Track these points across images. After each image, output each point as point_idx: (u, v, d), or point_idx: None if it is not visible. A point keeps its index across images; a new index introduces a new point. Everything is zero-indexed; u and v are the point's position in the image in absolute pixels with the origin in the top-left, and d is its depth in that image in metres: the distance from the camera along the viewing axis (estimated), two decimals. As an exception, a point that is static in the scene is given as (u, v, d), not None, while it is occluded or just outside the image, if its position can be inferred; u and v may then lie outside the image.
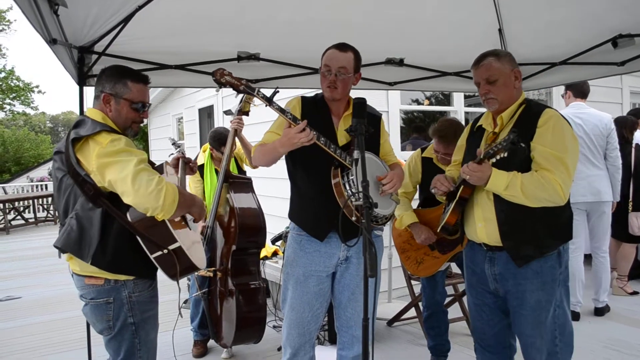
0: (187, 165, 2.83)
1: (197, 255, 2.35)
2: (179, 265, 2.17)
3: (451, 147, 3.28)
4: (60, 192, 2.20)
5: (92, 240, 2.11)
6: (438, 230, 2.65)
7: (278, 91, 2.33)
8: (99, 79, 2.28)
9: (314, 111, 2.53)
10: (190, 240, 2.34)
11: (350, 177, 2.31)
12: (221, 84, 2.26)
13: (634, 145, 5.23)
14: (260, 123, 4.21)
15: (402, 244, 3.60)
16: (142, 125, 2.39)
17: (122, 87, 2.24)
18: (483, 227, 2.44)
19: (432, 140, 3.55)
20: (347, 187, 2.31)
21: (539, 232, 2.33)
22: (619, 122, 5.32)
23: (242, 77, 2.30)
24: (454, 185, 2.51)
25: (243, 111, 3.66)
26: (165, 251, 2.15)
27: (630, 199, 5.14)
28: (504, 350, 2.58)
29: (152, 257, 2.16)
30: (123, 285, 2.20)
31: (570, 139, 2.29)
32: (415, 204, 3.65)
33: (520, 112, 2.39)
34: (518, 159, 2.30)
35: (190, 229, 2.44)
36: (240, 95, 3.72)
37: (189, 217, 2.45)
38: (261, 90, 2.31)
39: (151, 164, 2.32)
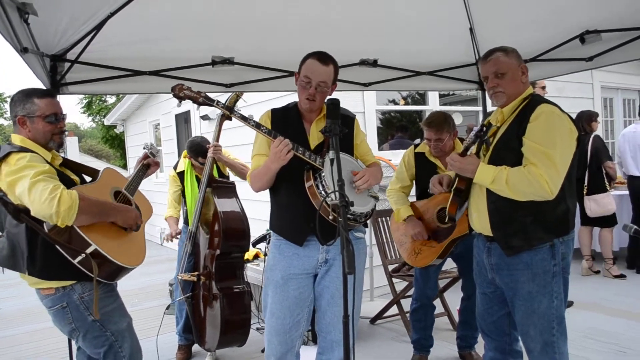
0: (142, 165, 2.85)
1: (129, 255, 2.43)
2: (97, 268, 2.26)
3: (443, 133, 3.41)
4: None
5: (23, 253, 2.26)
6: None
7: (240, 97, 2.37)
8: (11, 106, 2.38)
9: (285, 119, 2.56)
10: (122, 241, 2.43)
11: (323, 178, 2.32)
12: (180, 98, 2.36)
13: (592, 135, 5.70)
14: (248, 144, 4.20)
15: (400, 237, 3.66)
16: (64, 135, 2.46)
17: (31, 105, 2.33)
18: (477, 218, 2.54)
19: (416, 139, 3.65)
20: (320, 188, 2.32)
21: (527, 224, 2.36)
22: (577, 116, 5.73)
23: (200, 90, 2.40)
24: (447, 188, 2.62)
25: (226, 116, 3.65)
26: (83, 255, 2.23)
27: (585, 184, 5.59)
28: (503, 337, 2.67)
29: (75, 262, 2.24)
30: (72, 289, 2.33)
31: (562, 134, 2.29)
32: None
33: (522, 107, 2.43)
34: (513, 154, 2.35)
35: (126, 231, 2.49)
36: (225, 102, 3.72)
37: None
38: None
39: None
